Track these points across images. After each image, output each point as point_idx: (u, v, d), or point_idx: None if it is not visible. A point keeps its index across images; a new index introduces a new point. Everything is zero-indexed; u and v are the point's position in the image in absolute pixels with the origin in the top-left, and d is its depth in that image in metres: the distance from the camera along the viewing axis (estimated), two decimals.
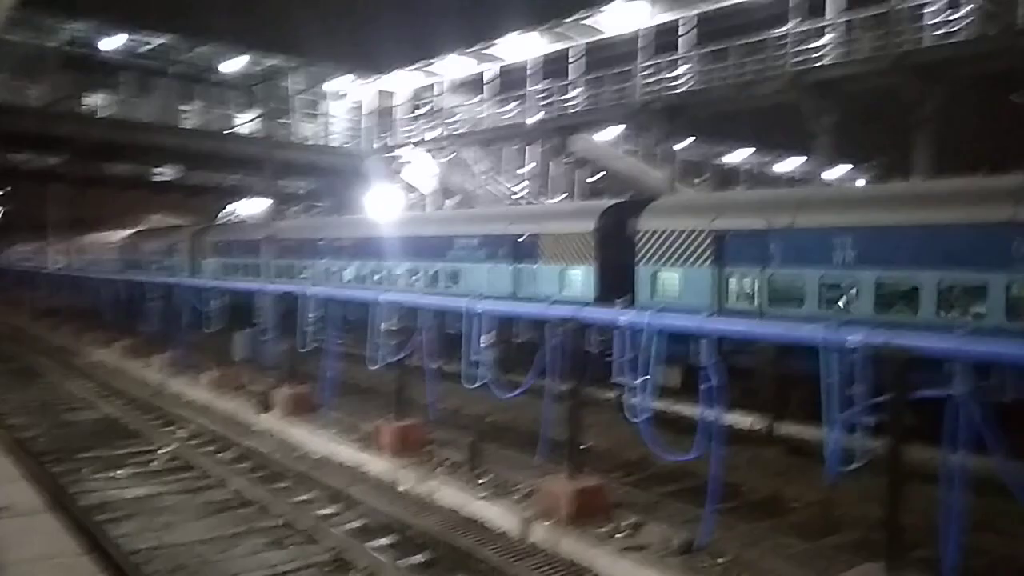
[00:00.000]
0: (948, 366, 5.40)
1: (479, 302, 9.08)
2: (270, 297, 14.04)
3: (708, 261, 12.73)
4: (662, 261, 13.50)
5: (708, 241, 12.75)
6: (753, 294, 12.21)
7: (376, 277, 20.22)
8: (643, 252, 13.79)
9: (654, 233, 13.72)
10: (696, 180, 44.72)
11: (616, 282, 13.90)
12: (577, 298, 13.90)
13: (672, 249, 13.36)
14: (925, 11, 18.13)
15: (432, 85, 34.30)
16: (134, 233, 40.17)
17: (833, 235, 11.19)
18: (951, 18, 18.00)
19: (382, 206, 32.34)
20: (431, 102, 34.81)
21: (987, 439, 5.00)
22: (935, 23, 18.05)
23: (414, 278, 18.93)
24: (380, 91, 35.77)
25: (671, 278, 13.37)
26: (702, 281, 12.70)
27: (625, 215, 14.64)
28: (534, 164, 33.86)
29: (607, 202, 16.88)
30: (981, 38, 17.85)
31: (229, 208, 49.05)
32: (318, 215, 39.66)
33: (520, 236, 16.17)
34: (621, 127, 33.52)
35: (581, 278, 14.91)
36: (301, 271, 23.69)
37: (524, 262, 16.00)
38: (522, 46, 28.46)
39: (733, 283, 12.51)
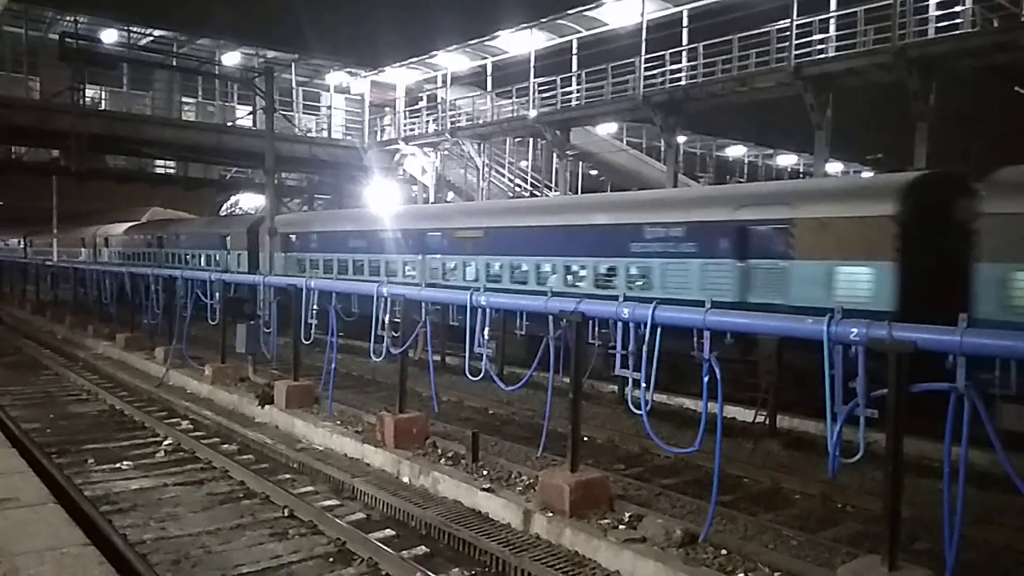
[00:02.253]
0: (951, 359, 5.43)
1: (482, 294, 9.07)
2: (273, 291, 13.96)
3: None
4: None
5: None
6: None
7: (513, 274, 16.93)
8: (991, 245, 9.98)
9: (1013, 217, 9.84)
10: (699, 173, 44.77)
11: (930, 286, 10.58)
12: (864, 308, 10.31)
13: None
14: (928, 2, 18.05)
15: (432, 78, 34.23)
16: (169, 222, 39.24)
17: None
18: (954, 10, 17.93)
19: (390, 199, 32.25)
20: (432, 95, 34.73)
21: (989, 432, 5.02)
22: (938, 15, 17.98)
23: (571, 277, 15.78)
24: (381, 84, 35.70)
25: None
26: None
27: (951, 192, 11.12)
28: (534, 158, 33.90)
29: (912, 174, 12.79)
30: (985, 30, 17.79)
31: (232, 200, 49.08)
32: (321, 207, 39.60)
33: (758, 223, 12.53)
34: (623, 121, 33.51)
35: (869, 280, 11.13)
36: (405, 269, 20.21)
37: (761, 257, 12.40)
38: (521, 40, 28.39)
39: None
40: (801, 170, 50.09)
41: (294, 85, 37.96)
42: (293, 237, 25.47)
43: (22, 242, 56.62)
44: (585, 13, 25.92)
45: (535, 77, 27.76)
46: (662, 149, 29.02)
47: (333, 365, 11.54)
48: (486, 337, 9.08)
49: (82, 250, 43.72)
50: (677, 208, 14.45)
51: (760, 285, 12.37)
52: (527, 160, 36.64)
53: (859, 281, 11.25)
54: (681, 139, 28.32)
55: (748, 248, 12.61)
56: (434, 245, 19.28)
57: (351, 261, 22.21)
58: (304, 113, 38.88)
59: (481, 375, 9.15)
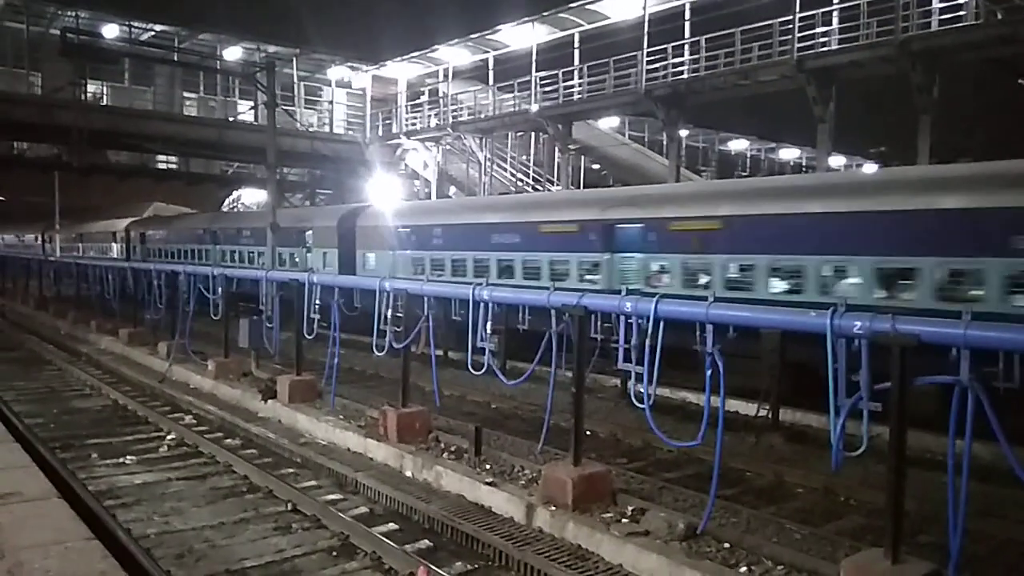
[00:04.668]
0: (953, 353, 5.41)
1: (484, 288, 9.06)
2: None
3: None
4: None
5: None
6: None
7: (770, 280, 12.49)
8: None
9: None
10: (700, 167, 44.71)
11: None
12: None
13: None
14: None
15: (434, 73, 34.18)
16: (227, 215, 37.95)
17: None
18: (958, 2, 17.85)
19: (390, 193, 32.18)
20: (434, 89, 34.66)
21: (993, 426, 5.01)
22: (942, 7, 17.91)
23: (886, 283, 11.30)
24: (382, 79, 35.66)
25: None
26: None
27: None
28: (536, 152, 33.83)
29: None
30: (988, 23, 17.71)
31: (234, 195, 49.04)
32: (322, 202, 39.53)
33: None
34: (625, 114, 33.41)
35: None
36: (579, 271, 15.37)
37: None
38: (523, 33, 28.32)
39: None
40: (804, 164, 49.99)
41: (296, 80, 37.88)
42: (406, 231, 20.05)
43: (39, 238, 56.03)
44: (587, 6, 25.85)
45: (537, 71, 27.70)
46: (664, 143, 28.95)
47: (336, 360, 11.55)
48: (488, 331, 9.08)
49: (113, 245, 40.43)
50: None
51: None
52: (529, 154, 36.59)
53: None
54: (683, 133, 28.19)
55: None
56: (630, 241, 14.56)
57: (495, 261, 17.02)
58: (306, 108, 38.82)
59: (484, 369, 9.14)
